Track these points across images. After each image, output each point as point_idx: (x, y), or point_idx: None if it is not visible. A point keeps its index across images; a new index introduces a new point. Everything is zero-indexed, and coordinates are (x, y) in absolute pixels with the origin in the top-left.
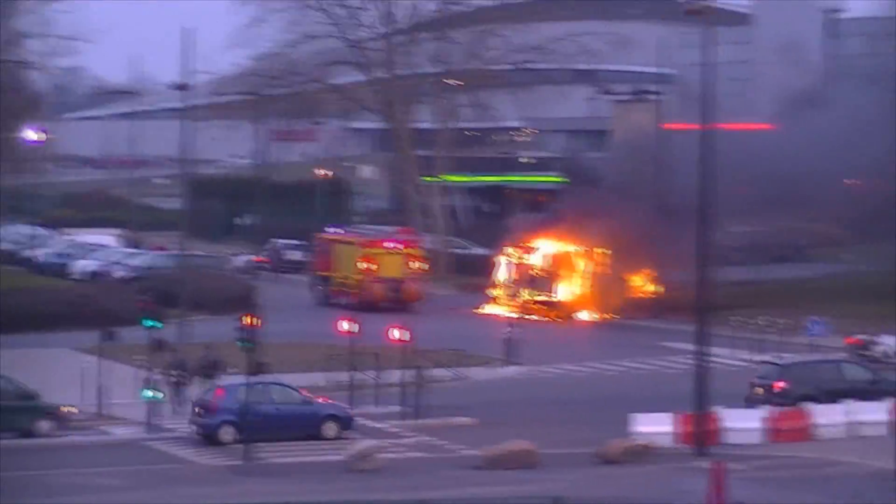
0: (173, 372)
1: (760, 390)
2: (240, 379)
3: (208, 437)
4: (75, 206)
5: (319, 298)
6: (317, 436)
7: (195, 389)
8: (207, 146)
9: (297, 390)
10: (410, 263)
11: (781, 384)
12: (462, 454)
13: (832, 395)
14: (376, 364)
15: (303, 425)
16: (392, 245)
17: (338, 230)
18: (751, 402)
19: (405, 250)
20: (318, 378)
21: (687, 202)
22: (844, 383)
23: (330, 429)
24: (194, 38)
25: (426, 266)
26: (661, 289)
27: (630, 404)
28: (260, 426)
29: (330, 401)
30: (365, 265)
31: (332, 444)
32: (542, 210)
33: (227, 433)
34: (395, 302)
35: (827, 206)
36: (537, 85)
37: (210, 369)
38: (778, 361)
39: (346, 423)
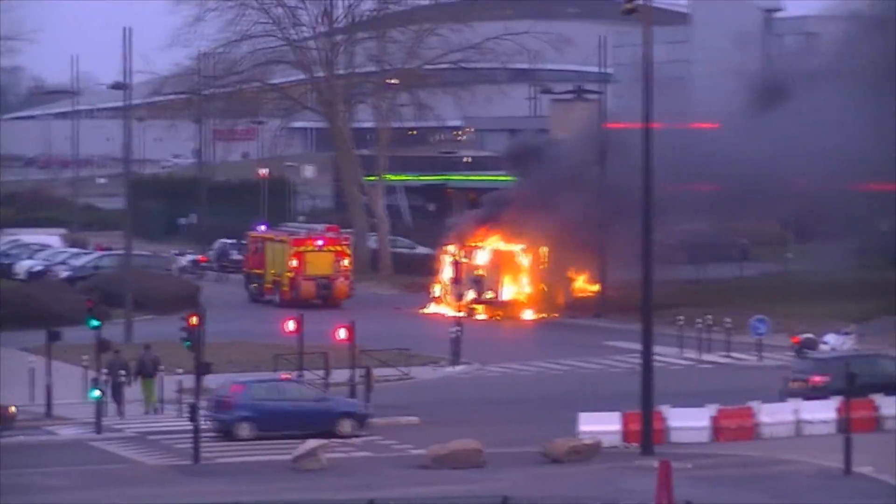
0: (120, 372)
1: (797, 384)
2: (255, 376)
3: (225, 433)
4: (16, 205)
5: (252, 296)
6: (332, 433)
7: (133, 389)
8: (149, 146)
9: (311, 387)
10: (339, 261)
11: (819, 378)
12: (408, 453)
13: (866, 389)
14: (324, 364)
15: (318, 422)
16: (321, 243)
17: (268, 228)
18: (787, 396)
19: (334, 248)
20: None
21: (629, 201)
22: (878, 377)
23: (345, 426)
24: (133, 38)
25: (350, 264)
26: (604, 288)
27: (575, 403)
28: (275, 423)
29: (346, 398)
30: (295, 263)
31: (344, 441)
32: (483, 209)
33: (243, 429)
34: (325, 299)
35: (769, 205)
36: (476, 84)
37: (149, 368)
38: (815, 355)
39: (361, 419)
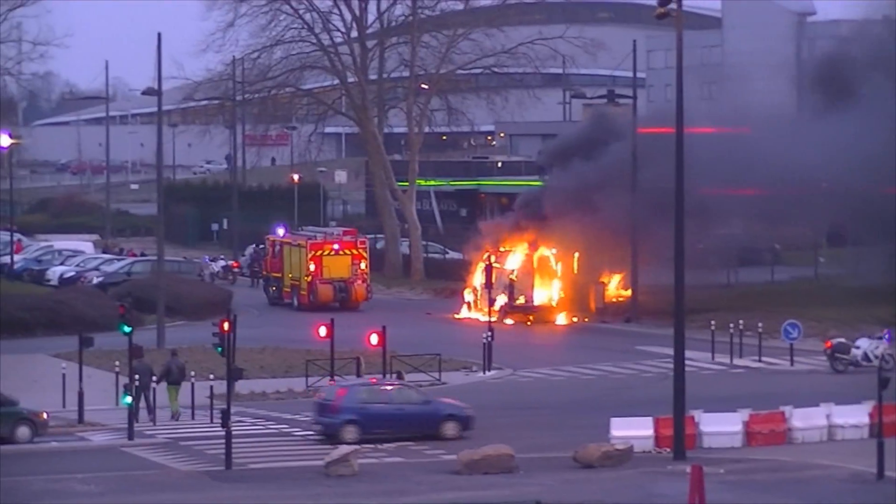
0: (150, 377)
1: None
2: (360, 379)
3: (330, 437)
4: (49, 211)
5: (270, 299)
6: (436, 436)
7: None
8: (181, 151)
9: (416, 390)
10: (356, 264)
11: None
12: (440, 459)
13: None
14: (357, 369)
15: (422, 425)
16: (338, 247)
17: (286, 232)
18: None
19: (351, 251)
20: (298, 383)
21: (663, 205)
22: None
23: (449, 428)
24: (166, 44)
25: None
26: (636, 292)
27: (607, 408)
28: (380, 426)
29: (450, 401)
30: (313, 266)
31: (446, 444)
32: (515, 213)
33: (349, 432)
34: (343, 302)
35: (802, 209)
36: (509, 89)
37: (175, 375)
38: None
39: (465, 422)
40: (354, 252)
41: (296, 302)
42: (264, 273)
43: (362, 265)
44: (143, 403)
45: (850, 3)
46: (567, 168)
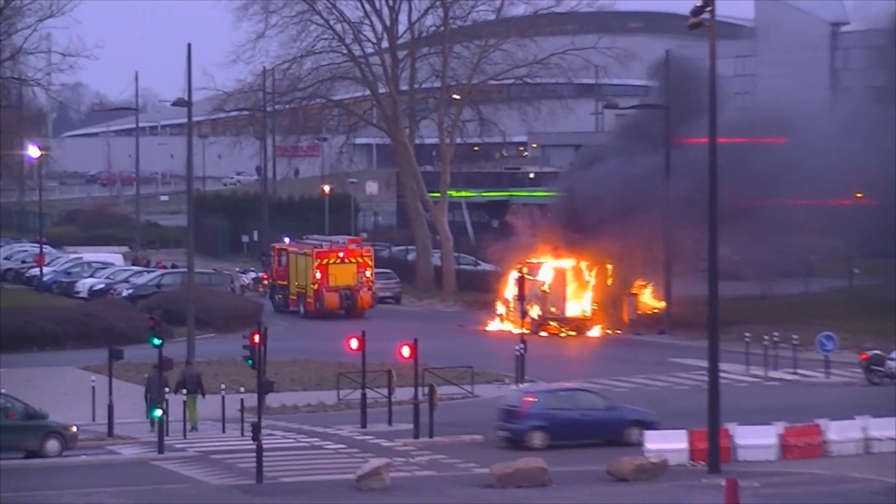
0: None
1: None
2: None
3: (516, 443)
4: (78, 223)
5: (276, 307)
6: (620, 441)
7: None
8: (212, 163)
9: (601, 396)
10: (362, 272)
11: None
12: (472, 472)
13: None
14: (388, 382)
15: (607, 431)
16: (343, 255)
17: (291, 241)
18: None
19: (356, 259)
20: (329, 396)
21: (695, 216)
22: None
23: (634, 434)
24: (196, 54)
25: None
26: (670, 304)
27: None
28: (567, 432)
29: (633, 406)
30: (319, 275)
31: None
32: (548, 225)
33: (536, 438)
34: (349, 310)
35: (837, 220)
36: (541, 99)
37: (190, 385)
38: None
39: (650, 428)
40: (360, 260)
41: (302, 310)
42: (270, 281)
43: (367, 273)
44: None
45: (886, 9)
46: (598, 177)
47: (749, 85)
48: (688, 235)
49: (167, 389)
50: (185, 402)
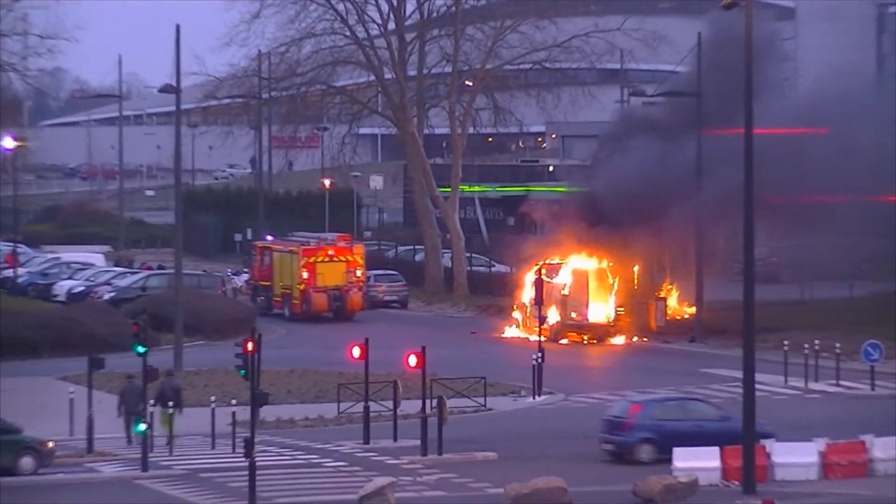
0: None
1: None
2: (655, 395)
3: (621, 457)
4: (57, 220)
5: (259, 309)
6: None
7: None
8: (202, 155)
9: (713, 405)
10: (352, 271)
11: None
12: (486, 493)
13: None
14: (394, 394)
15: (721, 443)
16: (332, 253)
17: (275, 238)
18: None
19: (346, 258)
20: (329, 409)
21: (728, 214)
22: None
23: None
24: (185, 37)
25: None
26: (701, 309)
27: None
28: (677, 444)
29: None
30: (306, 274)
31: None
32: (569, 222)
33: (644, 451)
34: (338, 312)
35: (882, 219)
36: (561, 86)
37: (169, 398)
38: None
39: (766, 438)
40: (350, 259)
41: (287, 312)
42: (252, 282)
43: (358, 272)
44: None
45: None
46: (626, 168)
47: (788, 70)
48: (722, 233)
49: (151, 402)
50: (164, 415)
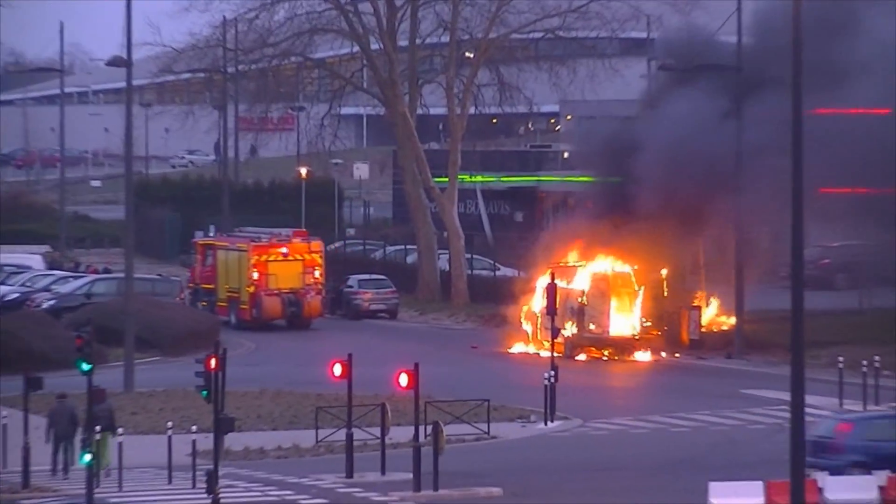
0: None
1: None
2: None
3: None
4: None
5: None
6: None
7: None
8: (157, 139)
9: None
10: (309, 272)
11: None
12: None
13: None
14: (382, 419)
15: None
16: (287, 251)
17: (219, 234)
18: None
19: (303, 256)
20: (306, 437)
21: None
22: None
23: None
24: (138, 2)
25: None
26: (741, 320)
27: (706, 469)
28: (893, 467)
29: None
30: (256, 275)
31: None
32: (585, 218)
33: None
34: (293, 318)
35: None
36: (577, 59)
37: (105, 422)
38: None
39: None
40: (307, 257)
41: (234, 319)
42: (192, 284)
43: (316, 273)
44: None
45: None
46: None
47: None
48: (766, 231)
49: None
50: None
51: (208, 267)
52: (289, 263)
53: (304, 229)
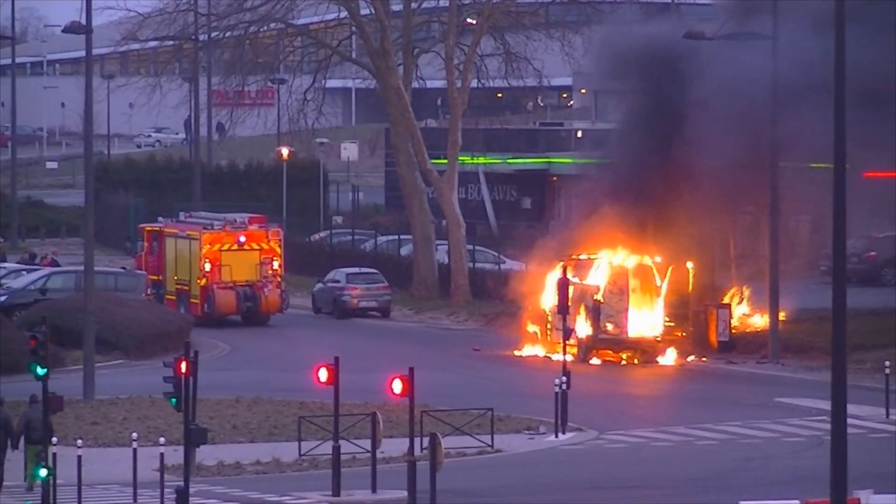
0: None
1: None
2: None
3: None
4: None
5: None
6: None
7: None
8: (120, 115)
9: None
10: (267, 263)
11: None
12: None
13: None
14: (372, 430)
15: None
16: (243, 239)
17: (168, 220)
18: None
19: (260, 245)
20: (287, 450)
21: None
22: None
23: None
24: None
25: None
26: (775, 320)
27: (736, 487)
28: None
29: None
30: (208, 266)
31: None
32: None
33: None
34: (249, 314)
35: None
36: (593, 25)
37: (37, 434)
38: None
39: None
40: (264, 246)
41: (183, 313)
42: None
43: (275, 264)
44: None
45: None
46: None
47: None
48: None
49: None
50: (31, 452)
51: (155, 256)
52: (245, 253)
53: (261, 215)
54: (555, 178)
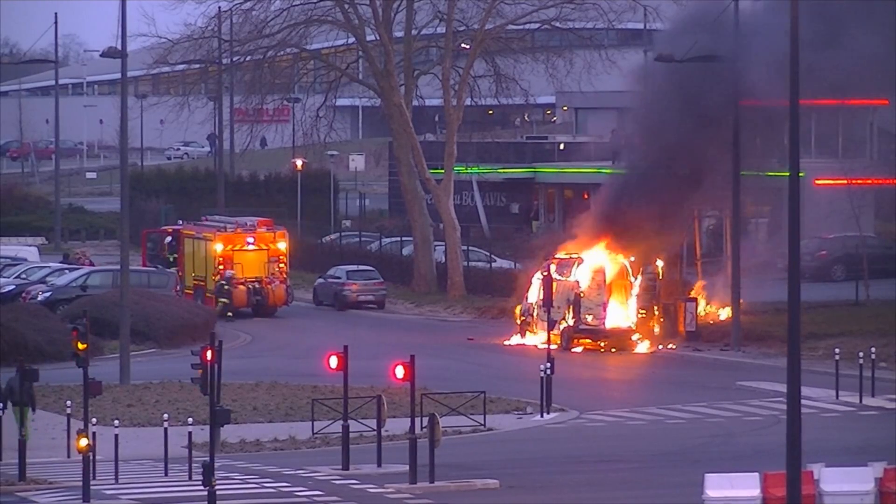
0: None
1: None
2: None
3: None
4: None
5: None
6: None
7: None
8: (152, 130)
9: None
10: (275, 261)
11: None
12: None
13: None
14: (378, 411)
15: None
16: (252, 240)
17: (185, 223)
18: None
19: (268, 246)
20: (302, 429)
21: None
22: None
23: None
24: None
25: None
26: (737, 312)
27: (701, 461)
28: None
29: None
30: (222, 264)
31: None
32: (585, 210)
33: None
34: (258, 308)
35: None
36: (574, 49)
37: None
38: None
39: None
40: (271, 247)
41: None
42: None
43: (281, 263)
44: None
45: None
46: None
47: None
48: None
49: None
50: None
51: (151, 257)
52: (254, 253)
53: (271, 219)
54: (542, 187)
